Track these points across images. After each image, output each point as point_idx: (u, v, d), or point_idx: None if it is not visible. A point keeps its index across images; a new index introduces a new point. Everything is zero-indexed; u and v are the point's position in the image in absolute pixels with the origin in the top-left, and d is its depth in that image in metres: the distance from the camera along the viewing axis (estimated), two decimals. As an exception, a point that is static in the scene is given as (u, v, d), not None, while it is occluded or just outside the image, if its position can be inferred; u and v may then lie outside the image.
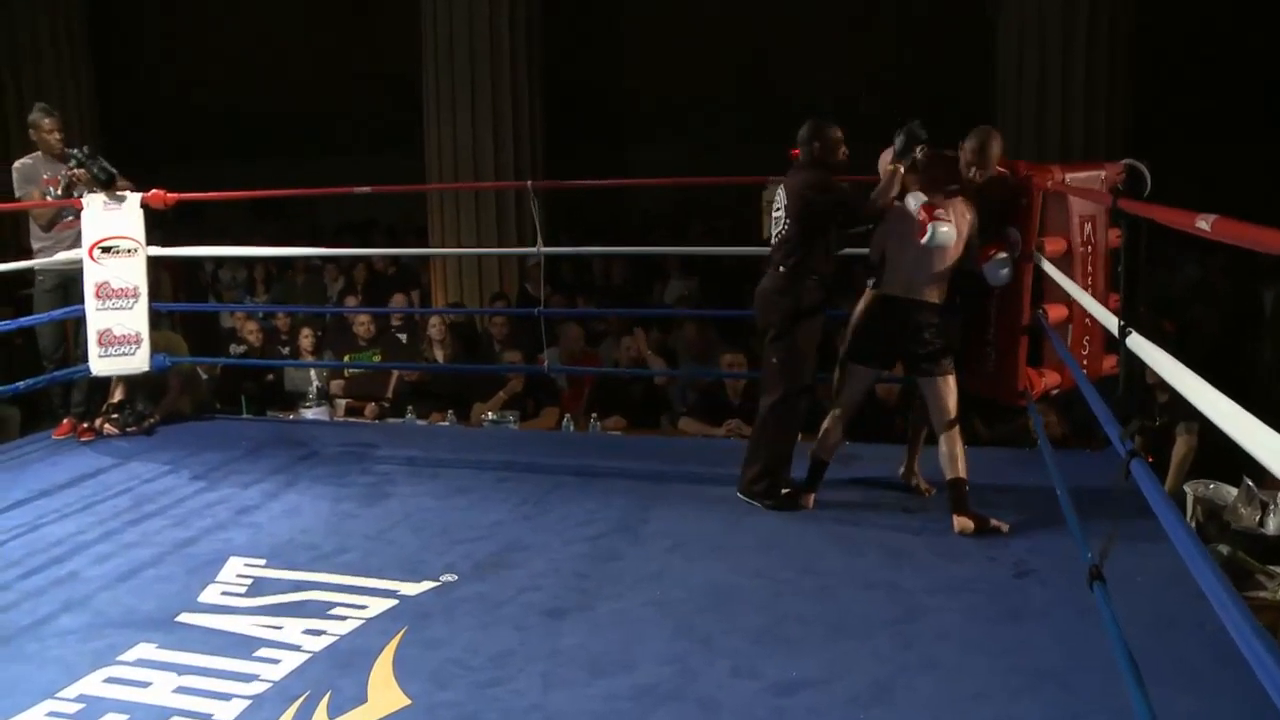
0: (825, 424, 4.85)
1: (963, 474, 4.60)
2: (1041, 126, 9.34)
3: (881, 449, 5.54)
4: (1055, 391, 5.19)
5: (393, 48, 12.36)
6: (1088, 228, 4.93)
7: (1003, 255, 4.64)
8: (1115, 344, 5.05)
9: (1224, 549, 4.64)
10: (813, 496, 4.82)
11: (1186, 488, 5.20)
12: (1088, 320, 5.00)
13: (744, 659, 3.46)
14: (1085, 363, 4.94)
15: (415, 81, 10.60)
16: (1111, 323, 3.30)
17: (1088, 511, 3.50)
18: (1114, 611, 2.75)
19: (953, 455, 4.64)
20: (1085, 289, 4.59)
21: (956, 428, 4.68)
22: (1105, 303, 4.34)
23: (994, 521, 4.52)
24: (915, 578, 4.06)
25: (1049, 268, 4.63)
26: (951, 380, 4.69)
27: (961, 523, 4.51)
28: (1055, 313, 4.92)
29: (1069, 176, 4.82)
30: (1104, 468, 4.55)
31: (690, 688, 3.31)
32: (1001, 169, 4.79)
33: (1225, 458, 4.92)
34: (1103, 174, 4.96)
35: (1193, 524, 4.88)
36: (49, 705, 3.28)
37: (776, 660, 3.44)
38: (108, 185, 6.01)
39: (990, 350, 4.93)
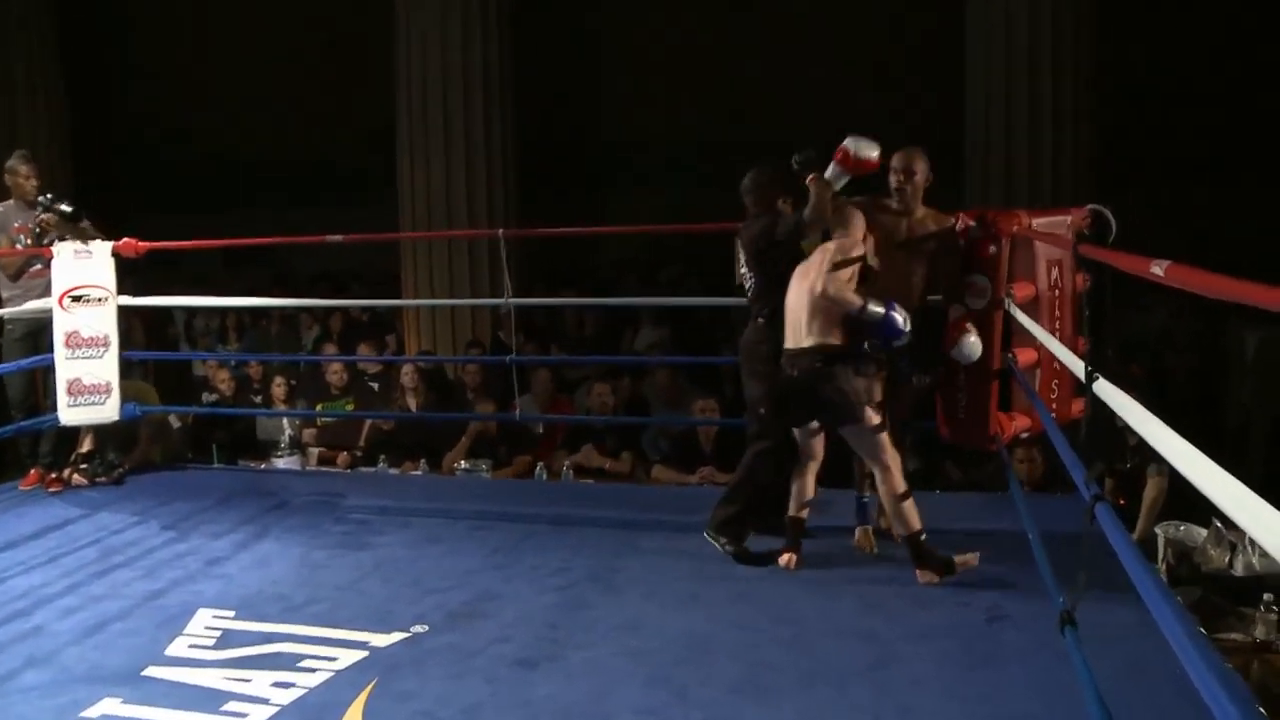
0: (794, 483, 4.71)
1: (916, 526, 4.45)
2: (1010, 172, 9.43)
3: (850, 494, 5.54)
4: (1025, 435, 5.22)
5: (366, 98, 12.43)
6: (1055, 272, 4.98)
7: (973, 339, 4.66)
8: (1084, 388, 5.13)
9: (1195, 591, 4.65)
10: (795, 557, 4.64)
11: (1158, 530, 5.21)
12: (1056, 364, 5.03)
13: (719, 709, 3.44)
14: (1054, 406, 4.97)
15: (389, 131, 10.64)
16: (1078, 367, 3.32)
17: (1059, 556, 3.51)
18: (1085, 656, 2.76)
19: (898, 511, 4.47)
20: (1053, 333, 4.62)
21: (898, 480, 4.48)
22: (1073, 347, 4.38)
23: (959, 560, 4.45)
24: (889, 625, 4.05)
25: (1017, 313, 4.66)
26: (879, 432, 4.48)
27: (925, 576, 4.42)
28: (1025, 357, 4.95)
29: (1036, 222, 4.87)
30: (1075, 511, 4.58)
31: (662, 738, 3.29)
32: (969, 219, 4.83)
33: (1198, 499, 4.95)
34: (1069, 219, 5.02)
35: (1164, 566, 4.90)
36: (8, 764, 3.23)
37: (752, 710, 3.42)
38: (76, 220, 6.01)
39: (961, 395, 4.95)
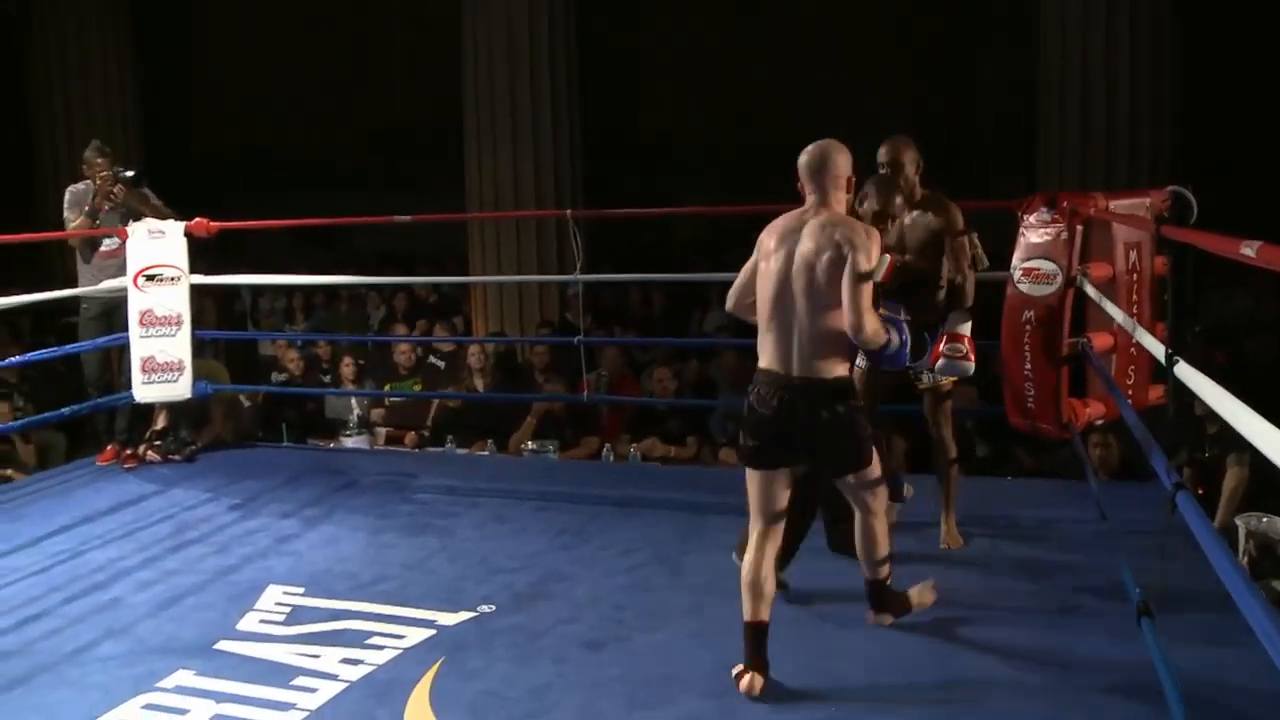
0: (752, 569, 3.51)
1: (885, 574, 3.81)
2: (1085, 157, 9.25)
3: (922, 480, 5.46)
4: (1100, 421, 5.13)
5: (434, 83, 12.48)
6: (1133, 255, 4.88)
7: (958, 347, 4.36)
8: (1162, 373, 5.02)
9: (1278, 585, 4.54)
10: (760, 680, 3.42)
11: (1238, 521, 5.09)
12: (1133, 349, 4.93)
13: (784, 694, 3.41)
14: (1130, 392, 4.88)
15: (455, 114, 10.69)
16: (1158, 351, 3.24)
17: (1135, 546, 3.44)
18: (1163, 649, 2.69)
19: (875, 558, 3.78)
20: (1130, 317, 4.52)
21: (884, 532, 3.78)
22: (1151, 331, 4.28)
23: (914, 600, 3.90)
24: (958, 614, 3.99)
25: (1094, 294, 4.57)
26: (880, 481, 3.71)
27: (881, 618, 3.84)
28: (1100, 341, 4.86)
29: (1113, 204, 4.77)
30: (1152, 500, 4.49)
31: (729, 722, 3.27)
32: (1040, 202, 4.74)
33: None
34: (1148, 200, 4.91)
35: (1245, 559, 4.78)
36: (86, 732, 3.29)
37: (817, 697, 3.39)
38: (137, 185, 6.13)
39: (1029, 383, 4.86)
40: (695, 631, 3.88)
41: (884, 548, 3.76)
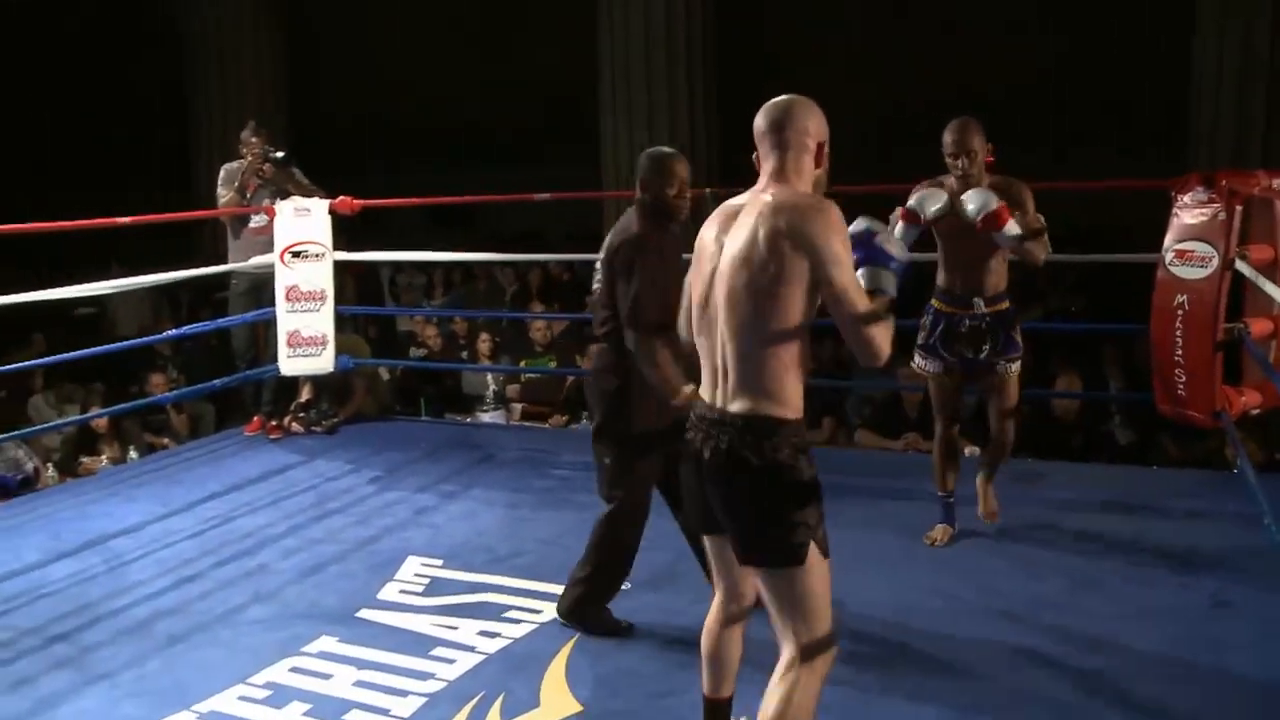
0: (711, 639, 2.85)
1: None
2: (1243, 132, 8.88)
3: (1066, 467, 5.33)
4: (1256, 411, 4.93)
5: (569, 60, 12.54)
6: (1297, 236, 4.67)
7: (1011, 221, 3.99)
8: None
9: None
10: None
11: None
12: (1295, 336, 4.74)
13: (920, 684, 3.37)
14: (1290, 382, 4.67)
15: (592, 92, 10.73)
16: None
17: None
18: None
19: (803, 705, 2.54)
20: (1294, 303, 4.34)
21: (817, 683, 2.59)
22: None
23: None
24: (1104, 605, 3.88)
25: (1255, 277, 4.39)
26: (821, 582, 2.59)
27: None
28: (1259, 327, 4.67)
29: (1277, 182, 4.57)
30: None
31: (863, 710, 3.24)
32: (1196, 182, 4.56)
33: None
34: (1318, 179, 4.70)
35: None
36: (240, 690, 3.43)
37: (954, 687, 3.33)
38: (287, 165, 6.31)
39: (1180, 369, 4.70)
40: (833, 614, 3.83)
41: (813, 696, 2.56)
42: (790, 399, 2.48)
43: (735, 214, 2.57)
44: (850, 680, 3.36)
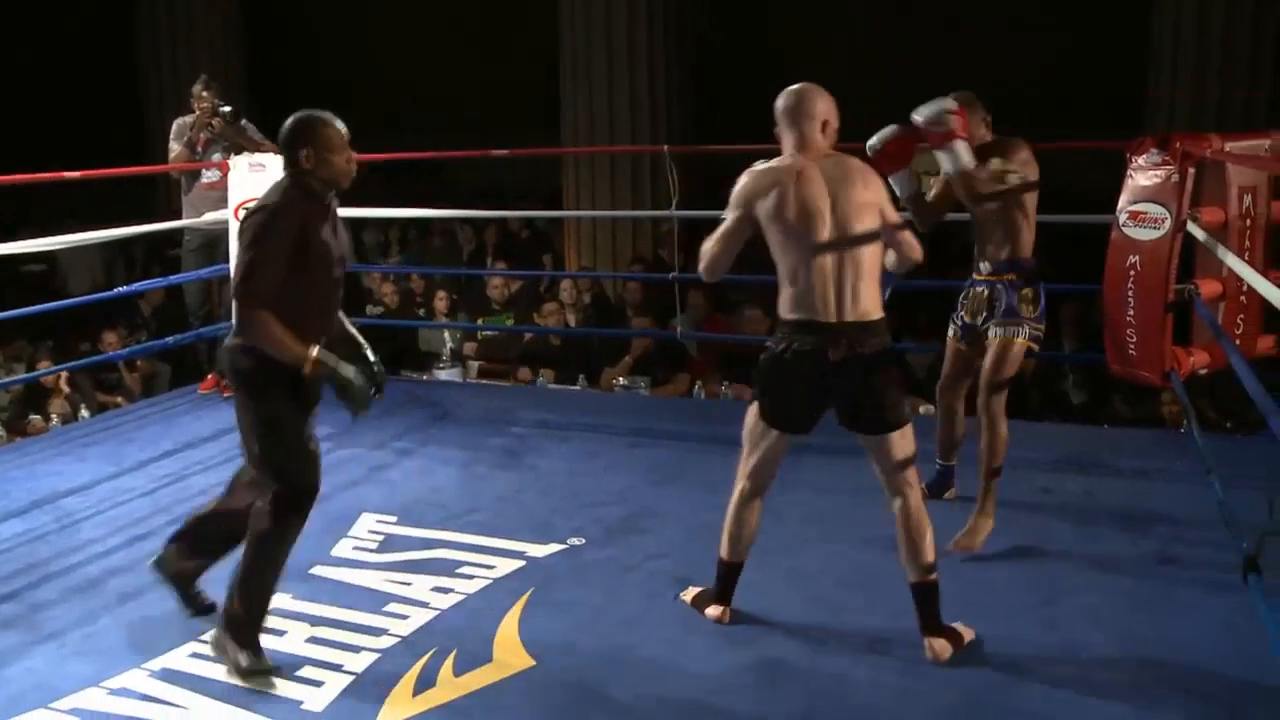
0: (734, 507, 3.49)
1: (936, 575, 3.33)
2: (1200, 95, 8.92)
3: (1021, 425, 5.36)
4: (1204, 371, 4.98)
5: (532, 16, 12.40)
6: (1247, 199, 4.71)
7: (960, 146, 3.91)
8: (1273, 323, 4.85)
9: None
10: (727, 609, 3.52)
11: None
12: (1243, 297, 4.78)
13: (877, 636, 3.40)
14: (1239, 342, 4.73)
15: (553, 51, 10.63)
16: (1276, 298, 3.13)
17: (1240, 499, 3.34)
18: (1270, 604, 2.62)
19: (925, 541, 3.30)
20: (1244, 263, 4.37)
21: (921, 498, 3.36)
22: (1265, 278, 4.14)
23: (966, 637, 3.37)
24: (1055, 561, 3.93)
25: (1205, 239, 4.42)
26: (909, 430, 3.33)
27: (939, 646, 3.29)
28: (1207, 288, 4.71)
29: (1229, 145, 4.60)
30: (1258, 453, 4.37)
31: (820, 662, 3.27)
32: (1151, 144, 4.58)
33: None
34: (1268, 143, 4.73)
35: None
36: (193, 646, 3.42)
37: (911, 639, 3.36)
38: (235, 120, 6.22)
39: (1131, 329, 4.73)
40: (787, 570, 3.87)
41: (928, 529, 3.29)
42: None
43: (800, 171, 3.24)
44: (803, 633, 3.41)
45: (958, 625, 3.36)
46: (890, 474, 3.31)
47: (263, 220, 3.15)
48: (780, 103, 3.32)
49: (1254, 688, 3.00)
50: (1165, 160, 4.58)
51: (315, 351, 3.15)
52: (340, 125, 3.26)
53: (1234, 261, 4.19)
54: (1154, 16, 9.32)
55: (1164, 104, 9.16)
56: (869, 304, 3.22)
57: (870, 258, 3.24)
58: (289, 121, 3.27)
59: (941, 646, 3.27)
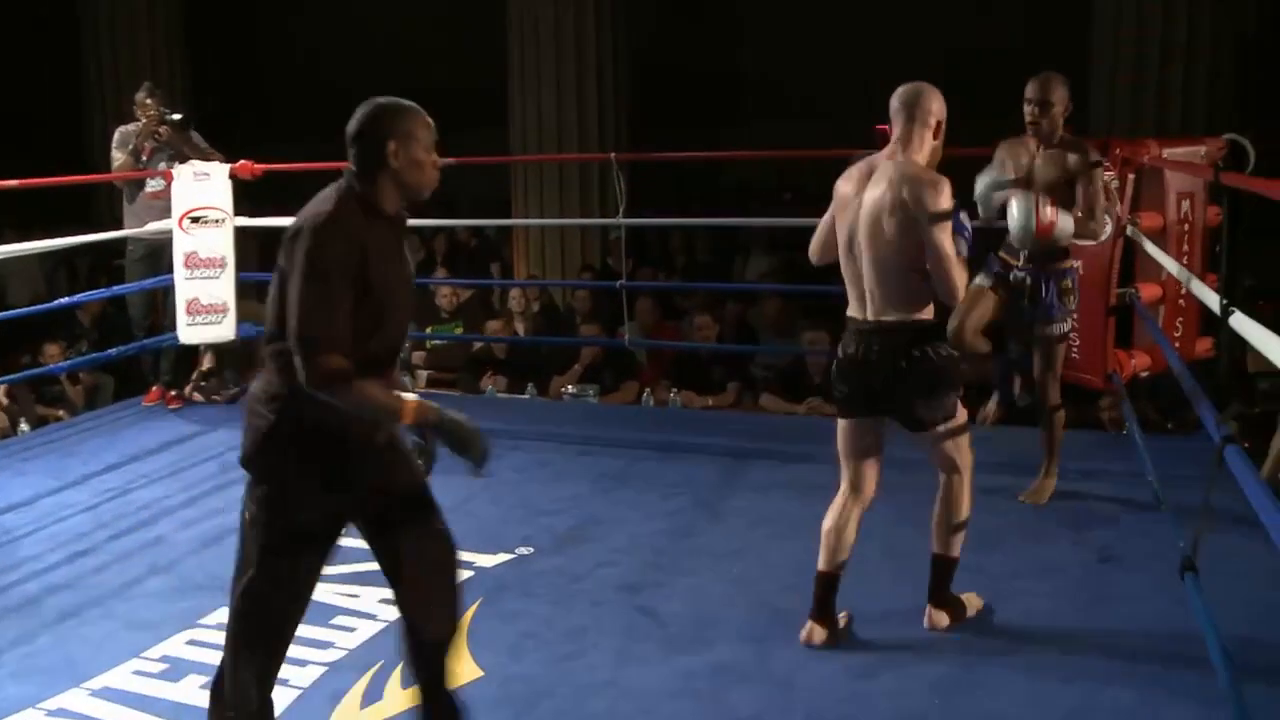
0: (834, 515, 3.47)
1: (956, 553, 3.51)
2: (1139, 99, 9.05)
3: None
4: (1145, 374, 5.06)
5: (478, 25, 12.38)
6: (1185, 204, 4.80)
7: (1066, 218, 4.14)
8: (1211, 326, 4.94)
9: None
10: (825, 630, 3.42)
11: (1284, 474, 5.04)
12: (1182, 300, 4.87)
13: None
14: (1178, 344, 4.81)
15: (501, 57, 10.61)
16: (1213, 302, 3.19)
17: (1179, 499, 3.40)
18: (1206, 602, 2.67)
19: (955, 530, 3.48)
20: (1182, 267, 4.45)
21: (969, 494, 3.49)
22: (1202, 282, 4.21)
23: (970, 608, 3.57)
24: (1001, 562, 3.97)
25: (1145, 243, 4.49)
26: (965, 429, 3.45)
27: (939, 618, 3.48)
28: (1147, 292, 4.79)
29: (1166, 152, 4.68)
30: (1196, 453, 4.44)
31: (767, 667, 3.29)
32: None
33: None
34: (1203, 149, 4.82)
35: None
36: (135, 664, 3.37)
37: (857, 642, 3.39)
38: (185, 128, 6.16)
39: (1074, 334, 4.80)
40: (734, 576, 3.89)
41: (964, 512, 3.45)
42: (925, 308, 3.29)
43: (868, 174, 3.29)
44: (756, 638, 3.42)
45: (969, 595, 3.55)
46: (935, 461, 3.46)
47: (313, 244, 2.35)
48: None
49: (1191, 680, 3.04)
50: (1106, 166, 4.65)
51: (411, 397, 2.52)
52: (429, 119, 2.56)
53: (1172, 265, 4.26)
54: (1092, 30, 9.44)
55: (1103, 110, 9.29)
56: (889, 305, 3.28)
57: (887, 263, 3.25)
58: (366, 109, 2.50)
59: (939, 618, 3.46)
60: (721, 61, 13.44)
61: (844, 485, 3.46)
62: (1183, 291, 4.76)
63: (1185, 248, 4.86)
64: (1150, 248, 4.48)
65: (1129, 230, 4.66)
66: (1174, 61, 8.88)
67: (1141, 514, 4.18)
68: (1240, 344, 2.77)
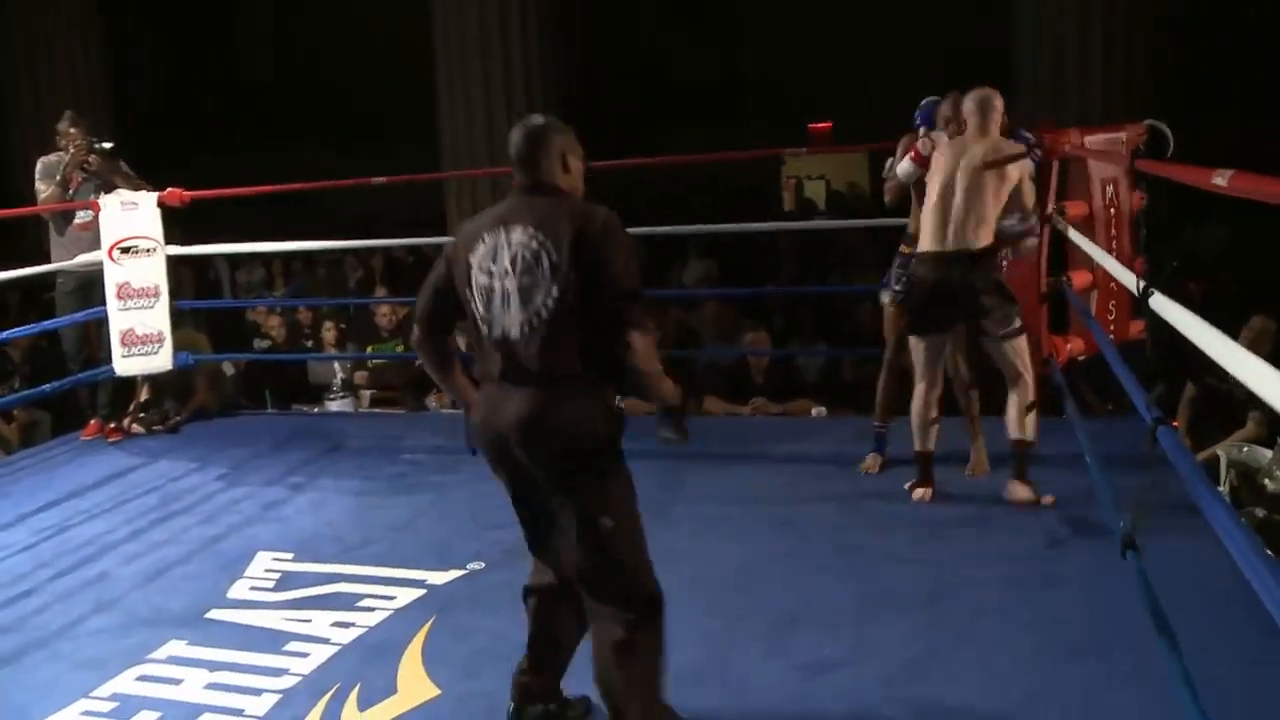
0: (917, 409, 4.52)
1: (1030, 436, 4.42)
2: (1060, 87, 9.19)
3: (900, 419, 5.47)
4: (1082, 357, 5.15)
5: (408, 38, 12.33)
6: (1110, 190, 4.89)
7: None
8: (1142, 308, 5.03)
9: (1259, 512, 4.58)
10: (931, 490, 4.53)
11: (1220, 451, 5.14)
12: (1113, 285, 4.95)
13: (776, 639, 3.45)
14: (1112, 328, 4.89)
15: (429, 72, 10.58)
16: (1132, 284, 3.25)
17: (1118, 479, 3.46)
18: (1148, 580, 2.71)
19: (1026, 416, 4.41)
20: (1109, 253, 4.53)
21: (1033, 387, 4.43)
22: (1131, 266, 4.28)
23: (1043, 499, 4.38)
24: (946, 552, 4.02)
25: (1072, 233, 4.57)
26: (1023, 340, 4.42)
27: (1020, 491, 4.39)
28: (1079, 279, 4.87)
29: (1088, 139, 4.76)
30: (1133, 434, 4.51)
31: (722, 669, 3.30)
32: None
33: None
34: (1124, 135, 4.91)
35: (1226, 488, 4.82)
36: (84, 704, 3.30)
37: (808, 640, 3.42)
38: (115, 158, 6.09)
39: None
40: (685, 578, 3.87)
41: (1030, 397, 4.36)
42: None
43: (961, 150, 4.32)
44: (702, 639, 3.42)
45: (1043, 496, 4.34)
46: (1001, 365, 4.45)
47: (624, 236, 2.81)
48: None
49: (1137, 659, 3.09)
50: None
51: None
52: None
53: (1094, 250, 4.33)
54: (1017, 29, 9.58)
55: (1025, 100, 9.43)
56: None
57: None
58: (545, 122, 2.77)
59: (1020, 490, 4.38)
60: (723, 63, 13.55)
61: (922, 386, 4.46)
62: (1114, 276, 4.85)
63: (1113, 232, 4.95)
64: (1074, 235, 4.56)
65: (1053, 220, 4.73)
66: (1094, 47, 9.04)
67: (1082, 497, 4.25)
68: (1165, 325, 2.82)
